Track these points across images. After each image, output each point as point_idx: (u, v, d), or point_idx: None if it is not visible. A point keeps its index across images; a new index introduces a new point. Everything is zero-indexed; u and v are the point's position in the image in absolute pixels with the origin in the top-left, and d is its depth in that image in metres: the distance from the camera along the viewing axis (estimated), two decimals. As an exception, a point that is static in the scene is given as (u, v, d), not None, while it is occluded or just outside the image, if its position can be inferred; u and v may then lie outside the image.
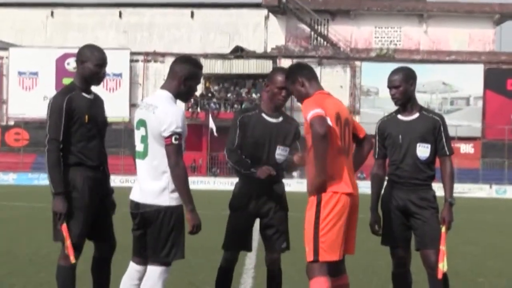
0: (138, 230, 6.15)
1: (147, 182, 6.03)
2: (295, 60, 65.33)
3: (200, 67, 6.23)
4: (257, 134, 7.01)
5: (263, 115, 7.12)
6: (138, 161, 6.14)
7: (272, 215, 7.10)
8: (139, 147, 6.13)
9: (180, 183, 5.90)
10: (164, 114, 5.93)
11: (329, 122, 6.07)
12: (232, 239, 7.11)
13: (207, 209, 20.42)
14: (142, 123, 6.10)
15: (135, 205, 6.12)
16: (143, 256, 6.16)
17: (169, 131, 5.88)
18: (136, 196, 6.12)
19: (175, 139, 5.89)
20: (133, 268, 6.24)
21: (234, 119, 7.14)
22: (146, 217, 6.03)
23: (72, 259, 6.43)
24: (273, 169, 6.87)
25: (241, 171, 7.01)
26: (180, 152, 5.92)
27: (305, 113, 6.08)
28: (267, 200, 7.09)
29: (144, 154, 6.07)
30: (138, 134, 6.16)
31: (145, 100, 6.20)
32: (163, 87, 6.18)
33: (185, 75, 6.11)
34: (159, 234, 5.98)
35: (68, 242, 6.41)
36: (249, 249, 7.27)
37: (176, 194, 5.95)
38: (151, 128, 5.98)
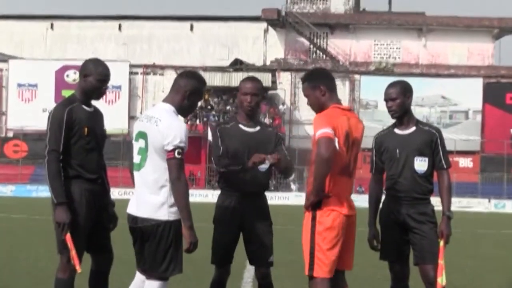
0: (136, 244, 6.14)
1: (145, 196, 6.00)
2: (294, 73, 65.52)
3: (204, 83, 6.26)
4: (236, 144, 6.99)
5: (240, 125, 7.10)
6: (135, 173, 6.13)
7: (254, 229, 7.05)
8: (136, 158, 6.11)
9: (181, 198, 5.85)
10: (168, 127, 5.89)
11: (337, 144, 6.04)
12: (218, 253, 7.08)
13: (206, 222, 20.35)
14: (142, 135, 6.07)
15: (133, 219, 6.10)
16: (144, 269, 6.15)
17: (172, 144, 5.84)
18: (133, 209, 6.09)
19: (178, 153, 5.84)
20: (139, 278, 6.23)
21: (213, 131, 7.15)
22: (144, 232, 6.00)
23: (78, 268, 6.41)
24: (260, 155, 6.85)
25: (235, 170, 6.95)
26: (182, 166, 5.85)
27: (315, 129, 6.06)
28: (250, 213, 7.03)
29: (139, 166, 6.05)
30: (136, 146, 6.14)
31: (146, 112, 6.18)
32: (165, 100, 6.17)
33: (189, 90, 6.11)
34: (157, 249, 5.96)
35: (73, 252, 6.40)
36: (231, 261, 7.21)
37: (174, 209, 5.92)
38: (153, 141, 5.94)
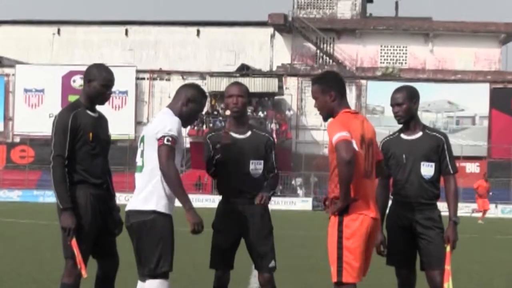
0: (133, 244, 6.21)
1: (139, 190, 6.13)
2: (300, 79, 65.52)
3: (205, 95, 6.44)
4: (227, 151, 7.01)
5: (230, 132, 7.12)
6: (136, 175, 6.25)
7: (254, 234, 7.05)
8: (138, 161, 6.25)
9: (172, 184, 5.94)
10: (159, 120, 6.14)
11: (355, 145, 6.03)
12: (216, 258, 7.10)
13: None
14: (142, 138, 6.27)
15: (127, 217, 6.22)
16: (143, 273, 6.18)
17: (162, 132, 6.01)
18: (128, 205, 6.21)
19: (167, 140, 5.97)
20: (140, 286, 6.24)
21: (204, 139, 7.25)
22: (135, 228, 6.07)
23: (84, 273, 6.42)
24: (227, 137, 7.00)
25: (216, 158, 7.04)
26: (172, 154, 5.97)
27: (331, 135, 6.03)
28: (249, 218, 7.05)
29: (141, 168, 6.19)
30: (139, 150, 6.30)
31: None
32: (167, 106, 6.36)
33: (188, 97, 6.29)
34: (146, 244, 6.00)
35: (79, 257, 6.40)
36: (232, 267, 7.22)
37: (164, 202, 5.97)
38: (147, 136, 6.14)
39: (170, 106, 6.33)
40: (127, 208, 6.22)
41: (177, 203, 6.05)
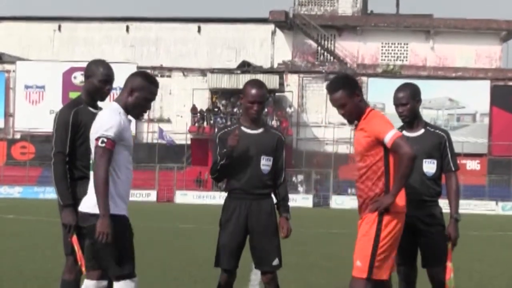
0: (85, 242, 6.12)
1: (90, 190, 5.95)
2: (301, 76, 65.51)
3: (152, 82, 6.13)
4: (239, 147, 6.94)
5: (243, 128, 7.07)
6: (91, 173, 6.04)
7: (259, 232, 7.00)
8: (91, 159, 6.07)
9: (96, 186, 5.77)
10: (99, 118, 5.96)
11: None
12: (222, 256, 7.03)
13: (212, 224, 20.35)
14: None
15: (79, 217, 6.08)
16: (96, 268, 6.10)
17: (98, 133, 5.85)
18: (80, 205, 6.06)
19: (102, 142, 5.80)
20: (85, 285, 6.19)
21: (215, 136, 7.15)
22: (88, 232, 5.93)
23: (84, 270, 6.40)
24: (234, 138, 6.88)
25: (222, 161, 6.95)
26: (105, 156, 5.78)
27: (381, 133, 5.97)
28: (255, 216, 7.00)
29: (92, 166, 6.01)
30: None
31: None
32: (114, 100, 6.13)
33: (132, 86, 6.05)
34: (101, 248, 5.82)
35: (79, 254, 6.38)
36: (237, 266, 7.14)
37: (113, 203, 5.81)
38: (91, 134, 5.99)
39: (116, 99, 6.11)
40: (79, 208, 6.05)
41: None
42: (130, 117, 6.11)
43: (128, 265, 5.85)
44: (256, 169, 7.00)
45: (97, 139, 5.83)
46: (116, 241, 5.78)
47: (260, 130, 7.11)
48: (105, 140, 5.80)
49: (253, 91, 6.99)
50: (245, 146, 6.98)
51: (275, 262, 7.00)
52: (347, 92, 6.14)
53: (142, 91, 6.04)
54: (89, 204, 5.91)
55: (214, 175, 7.11)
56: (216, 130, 7.33)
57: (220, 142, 7.05)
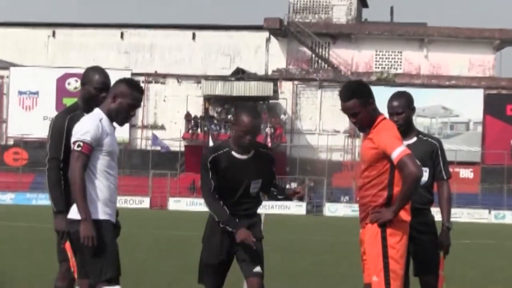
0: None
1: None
2: (295, 83, 65.56)
3: (136, 88, 6.13)
4: (230, 174, 6.70)
5: (233, 153, 6.74)
6: None
7: (245, 249, 6.73)
8: None
9: (74, 189, 5.80)
10: (78, 123, 6.01)
11: None
12: (204, 275, 6.88)
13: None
14: None
15: (67, 223, 6.07)
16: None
17: (75, 137, 5.90)
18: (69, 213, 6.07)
19: (78, 146, 5.84)
20: None
21: (204, 159, 6.72)
22: (72, 237, 5.94)
23: (76, 277, 6.39)
24: (251, 235, 6.58)
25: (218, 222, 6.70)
26: (80, 160, 5.81)
27: (389, 148, 5.85)
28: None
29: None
30: None
31: None
32: (99, 107, 6.16)
33: (116, 92, 6.06)
34: (86, 254, 5.83)
35: (72, 261, 6.37)
36: (222, 283, 6.94)
37: (95, 208, 5.83)
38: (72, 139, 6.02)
39: (101, 106, 6.13)
40: (67, 215, 6.05)
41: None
42: (115, 124, 6.11)
43: (110, 271, 5.84)
44: (245, 192, 6.81)
45: (73, 143, 5.87)
46: (103, 245, 5.78)
47: (251, 154, 6.81)
48: (81, 144, 5.84)
49: (248, 121, 6.59)
50: (236, 173, 6.74)
51: (257, 269, 6.75)
52: (360, 100, 6.01)
53: (125, 97, 6.05)
54: (72, 210, 5.94)
55: (212, 206, 6.74)
56: (204, 151, 6.97)
57: (212, 166, 6.69)
